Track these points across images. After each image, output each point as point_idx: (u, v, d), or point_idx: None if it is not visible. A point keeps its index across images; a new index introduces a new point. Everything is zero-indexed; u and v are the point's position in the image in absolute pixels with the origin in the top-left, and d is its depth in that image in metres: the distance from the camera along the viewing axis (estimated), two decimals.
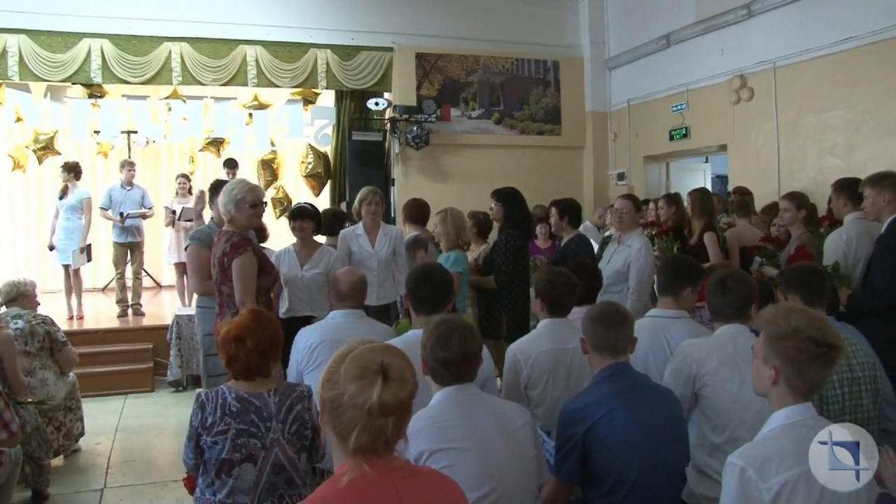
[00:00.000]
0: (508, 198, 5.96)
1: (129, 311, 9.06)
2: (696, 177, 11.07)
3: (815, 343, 2.14)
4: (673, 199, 7.03)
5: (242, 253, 4.24)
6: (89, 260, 9.15)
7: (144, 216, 9.15)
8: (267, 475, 2.85)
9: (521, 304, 5.75)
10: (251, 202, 4.38)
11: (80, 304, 8.97)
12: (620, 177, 11.11)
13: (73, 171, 8.75)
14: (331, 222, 6.39)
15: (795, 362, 2.16)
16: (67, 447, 5.57)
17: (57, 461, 5.46)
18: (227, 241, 4.30)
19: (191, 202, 9.52)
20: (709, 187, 10.82)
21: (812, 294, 3.41)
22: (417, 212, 6.34)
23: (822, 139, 7.62)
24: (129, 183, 9.12)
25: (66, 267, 8.80)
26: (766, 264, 5.58)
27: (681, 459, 2.91)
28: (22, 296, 5.39)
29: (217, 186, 5.51)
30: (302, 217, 5.57)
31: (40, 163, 10.97)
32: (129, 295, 9.12)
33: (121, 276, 9.07)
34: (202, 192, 8.43)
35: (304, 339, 3.98)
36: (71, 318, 8.78)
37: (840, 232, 4.91)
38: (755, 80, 8.46)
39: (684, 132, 9.69)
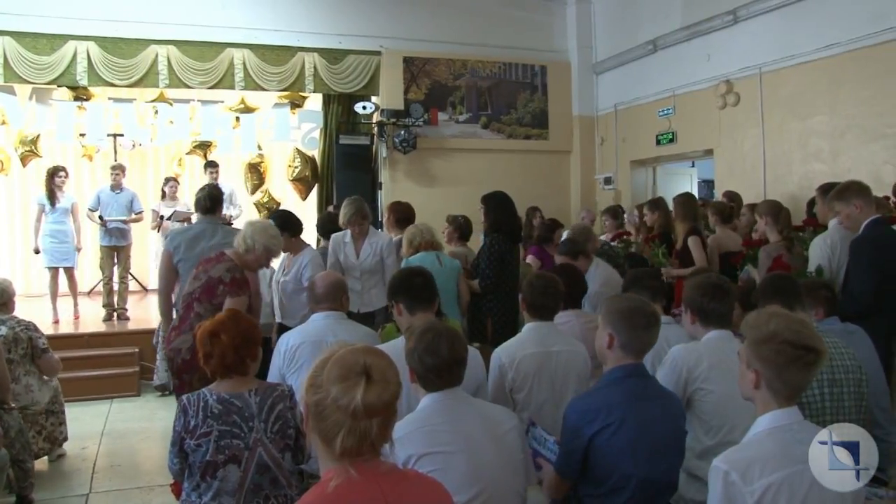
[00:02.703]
0: (489, 201, 5.98)
1: (115, 315, 9.02)
2: (682, 181, 11.11)
3: (792, 346, 2.15)
4: (657, 204, 7.10)
5: (241, 295, 4.34)
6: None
7: (125, 222, 9.04)
8: (251, 476, 2.85)
9: (508, 309, 5.74)
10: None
11: (75, 305, 9.04)
12: (607, 181, 11.15)
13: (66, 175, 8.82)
14: (325, 225, 6.39)
15: (774, 365, 2.18)
16: (49, 451, 5.52)
17: (42, 466, 5.41)
18: (228, 271, 4.36)
19: (179, 205, 9.50)
20: (695, 192, 10.91)
21: (790, 299, 3.42)
22: (404, 214, 6.37)
23: (807, 144, 7.68)
24: (117, 186, 9.08)
25: (55, 270, 8.79)
26: (752, 269, 5.61)
27: (677, 470, 2.90)
28: (9, 300, 5.34)
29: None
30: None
31: (24, 165, 10.92)
32: (116, 299, 9.09)
33: (108, 280, 9.03)
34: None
35: (285, 342, 4.00)
36: (56, 321, 8.74)
37: (825, 236, 4.94)
38: (741, 86, 8.52)
39: (671, 137, 9.75)
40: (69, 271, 8.91)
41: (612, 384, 2.85)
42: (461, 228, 6.60)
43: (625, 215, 8.43)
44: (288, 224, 5.52)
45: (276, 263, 5.50)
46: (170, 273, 5.18)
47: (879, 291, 4.29)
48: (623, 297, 3.04)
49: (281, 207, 11.46)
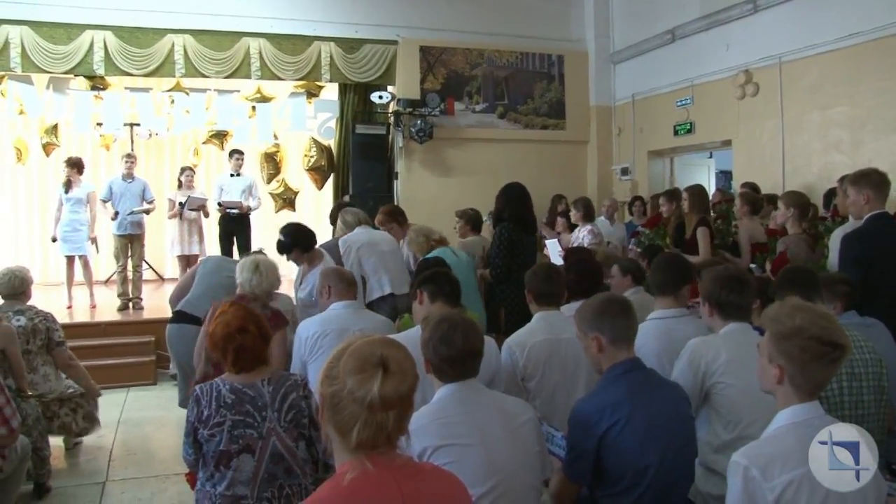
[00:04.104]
0: (502, 191, 5.99)
1: (130, 304, 9.07)
2: (700, 172, 11.04)
3: (820, 342, 2.11)
4: (673, 194, 7.06)
5: (281, 328, 4.34)
6: (97, 252, 9.25)
7: (147, 212, 9.12)
8: (265, 465, 2.85)
9: (521, 298, 5.68)
10: None
11: (91, 294, 9.09)
12: (624, 171, 11.08)
13: (75, 166, 8.80)
14: (334, 215, 6.42)
15: (799, 361, 2.13)
16: (89, 429, 5.55)
17: (58, 453, 5.45)
18: (264, 308, 4.30)
19: (196, 193, 9.53)
20: (713, 183, 10.85)
21: (809, 291, 3.37)
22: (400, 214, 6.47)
23: (826, 135, 7.60)
24: (129, 175, 9.10)
25: (71, 258, 8.86)
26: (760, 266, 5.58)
27: (691, 458, 2.88)
28: (27, 289, 5.35)
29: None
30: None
31: (48, 155, 10.97)
32: (130, 288, 9.13)
33: (122, 269, 9.07)
34: None
35: (305, 330, 4.08)
36: (70, 307, 8.84)
37: (845, 228, 4.89)
38: (760, 76, 8.43)
39: (689, 127, 9.67)
40: (84, 260, 8.97)
41: (613, 381, 2.84)
42: (472, 220, 6.63)
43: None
44: (299, 240, 5.41)
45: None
46: (189, 282, 5.45)
47: (869, 288, 4.19)
48: (591, 299, 3.04)
49: (293, 208, 11.60)
